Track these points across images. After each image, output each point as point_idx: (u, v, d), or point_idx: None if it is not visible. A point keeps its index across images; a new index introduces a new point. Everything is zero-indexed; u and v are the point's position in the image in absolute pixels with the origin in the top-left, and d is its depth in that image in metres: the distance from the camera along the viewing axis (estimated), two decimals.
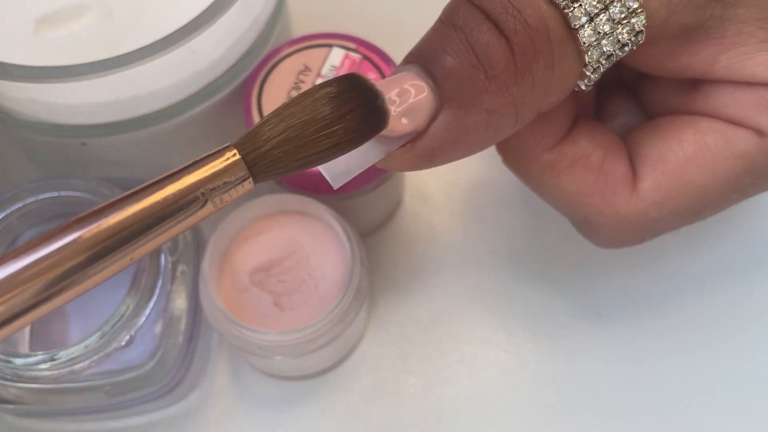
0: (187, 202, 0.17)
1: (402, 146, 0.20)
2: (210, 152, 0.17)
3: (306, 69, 0.29)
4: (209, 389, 0.31)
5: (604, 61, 0.20)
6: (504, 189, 0.25)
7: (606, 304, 0.32)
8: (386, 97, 0.19)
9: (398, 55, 0.29)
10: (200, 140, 0.30)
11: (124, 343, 0.26)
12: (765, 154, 0.23)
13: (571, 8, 0.19)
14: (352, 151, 0.19)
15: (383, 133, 0.19)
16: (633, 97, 0.27)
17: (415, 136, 0.20)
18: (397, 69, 0.20)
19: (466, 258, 0.33)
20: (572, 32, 0.20)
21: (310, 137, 0.18)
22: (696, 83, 0.24)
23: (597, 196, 0.24)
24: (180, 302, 0.28)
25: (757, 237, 0.33)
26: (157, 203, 0.17)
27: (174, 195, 0.17)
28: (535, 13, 0.19)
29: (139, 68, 0.25)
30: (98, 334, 0.26)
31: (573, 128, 0.24)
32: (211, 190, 0.17)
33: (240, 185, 0.17)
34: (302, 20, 0.34)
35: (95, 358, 0.26)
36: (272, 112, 0.18)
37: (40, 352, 0.25)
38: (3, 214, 0.28)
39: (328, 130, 0.18)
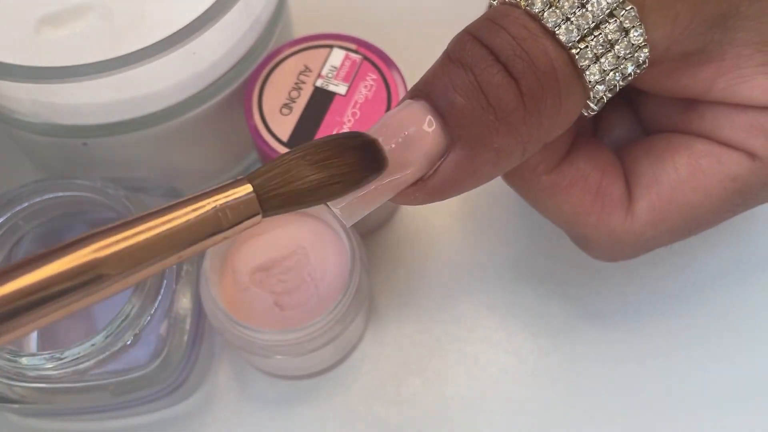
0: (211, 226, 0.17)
1: (413, 185, 0.20)
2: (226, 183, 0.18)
3: (306, 70, 0.29)
4: (213, 388, 0.31)
5: (608, 93, 0.20)
6: (504, 190, 0.26)
7: (605, 304, 0.32)
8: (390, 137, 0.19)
9: (398, 56, 0.29)
10: (201, 140, 0.30)
11: (129, 342, 0.26)
12: (756, 176, 0.23)
13: (578, 49, 0.19)
14: (365, 192, 0.20)
15: (395, 174, 0.19)
16: (631, 110, 0.27)
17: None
18: (403, 102, 0.20)
19: (466, 258, 0.33)
20: (578, 71, 0.20)
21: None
22: (693, 102, 0.24)
23: (594, 217, 0.24)
24: (185, 302, 0.28)
25: (754, 239, 0.33)
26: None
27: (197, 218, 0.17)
28: (543, 54, 0.19)
29: (140, 69, 0.25)
30: (104, 333, 0.26)
31: (572, 148, 0.24)
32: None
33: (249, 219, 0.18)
34: (303, 21, 0.34)
35: (101, 357, 0.26)
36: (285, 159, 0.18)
37: (45, 352, 0.25)
38: (7, 215, 0.28)
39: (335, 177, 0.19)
